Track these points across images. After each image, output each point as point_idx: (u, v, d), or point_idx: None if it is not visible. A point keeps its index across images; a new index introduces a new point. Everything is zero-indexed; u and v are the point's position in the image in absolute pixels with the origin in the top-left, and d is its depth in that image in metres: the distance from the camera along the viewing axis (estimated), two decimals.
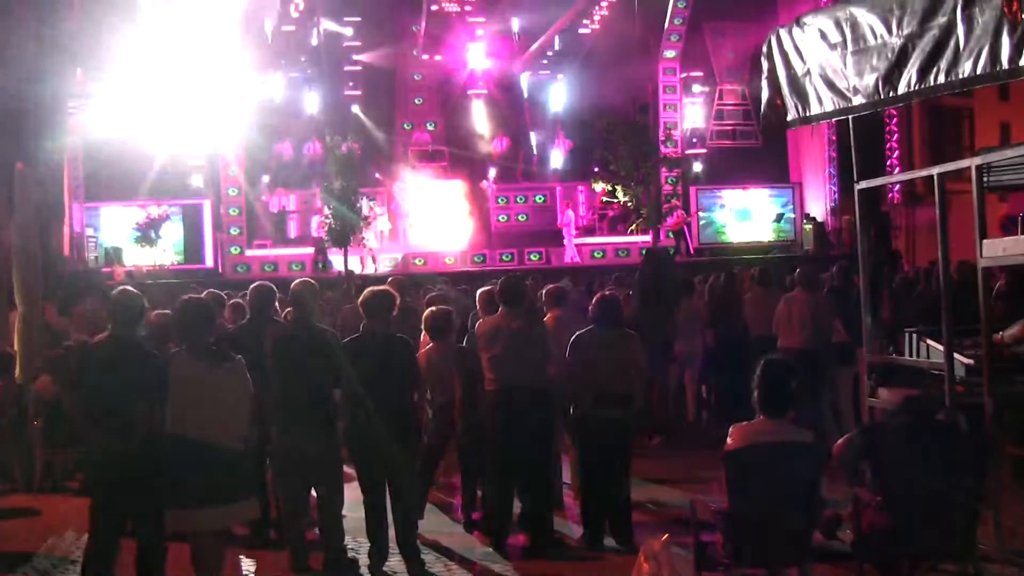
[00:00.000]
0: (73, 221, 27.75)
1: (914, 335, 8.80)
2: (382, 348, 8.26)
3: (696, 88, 32.80)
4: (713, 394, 15.10)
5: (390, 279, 12.02)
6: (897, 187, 31.30)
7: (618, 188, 21.79)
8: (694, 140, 32.60)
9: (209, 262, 29.18)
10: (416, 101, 33.92)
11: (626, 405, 8.86)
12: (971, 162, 7.68)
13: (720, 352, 14.29)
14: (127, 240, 27.83)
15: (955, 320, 7.96)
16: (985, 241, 7.61)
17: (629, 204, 21.03)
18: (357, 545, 8.54)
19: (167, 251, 28.00)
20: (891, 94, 7.32)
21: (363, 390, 8.05)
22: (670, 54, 32.23)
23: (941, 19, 6.68)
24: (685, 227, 30.12)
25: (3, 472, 11.71)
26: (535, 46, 33.00)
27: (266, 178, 30.60)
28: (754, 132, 32.06)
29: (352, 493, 8.61)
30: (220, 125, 27.46)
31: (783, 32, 8.66)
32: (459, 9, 32.63)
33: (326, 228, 23.49)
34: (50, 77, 20.95)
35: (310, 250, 27.76)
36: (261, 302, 9.18)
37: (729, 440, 6.25)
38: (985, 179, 7.85)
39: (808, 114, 8.46)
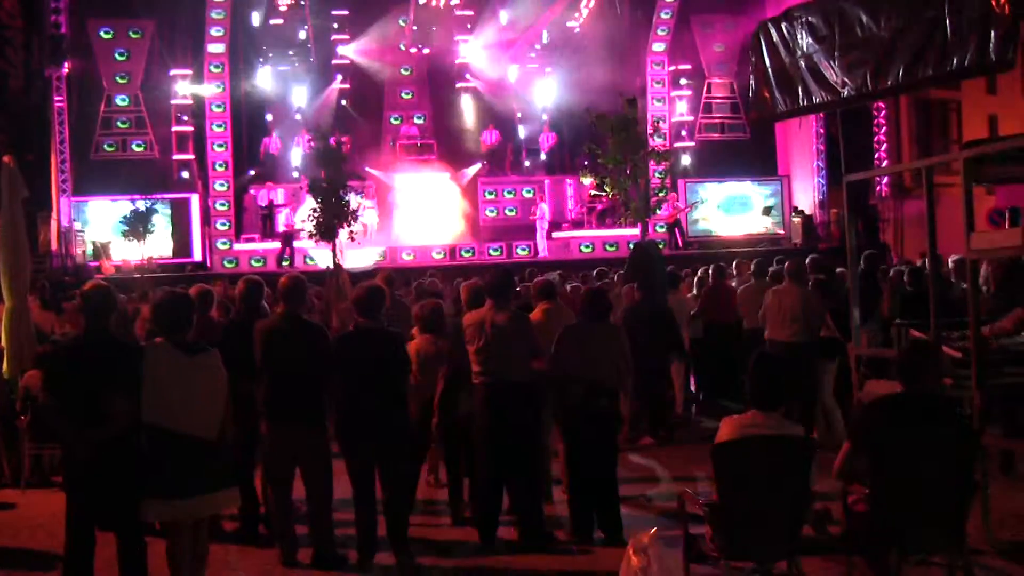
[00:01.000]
0: (61, 215, 27.71)
1: (901, 328, 8.83)
2: (374, 343, 8.26)
3: (684, 81, 32.80)
4: (701, 387, 15.13)
5: (379, 273, 12.01)
6: (885, 180, 31.36)
7: (606, 181, 21.71)
8: (683, 133, 32.62)
9: (197, 256, 29.11)
10: (404, 94, 33.87)
11: (613, 398, 8.87)
12: (959, 155, 7.70)
13: (709, 344, 14.32)
14: (115, 234, 27.73)
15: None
16: (973, 234, 7.63)
17: (616, 195, 20.98)
18: (346, 539, 8.52)
19: (156, 245, 27.90)
20: (879, 87, 7.35)
21: (354, 385, 8.06)
22: (658, 47, 32.22)
23: (929, 13, 6.72)
24: (682, 218, 30.18)
25: None
26: (523, 39, 32.93)
27: (253, 172, 30.57)
28: (742, 125, 32.05)
29: (342, 487, 8.61)
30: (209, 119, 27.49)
31: (771, 25, 8.68)
32: (447, 2, 32.54)
33: (313, 222, 23.41)
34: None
35: (296, 244, 27.68)
36: (250, 296, 9.18)
37: (719, 433, 6.26)
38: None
39: (796, 107, 8.49)
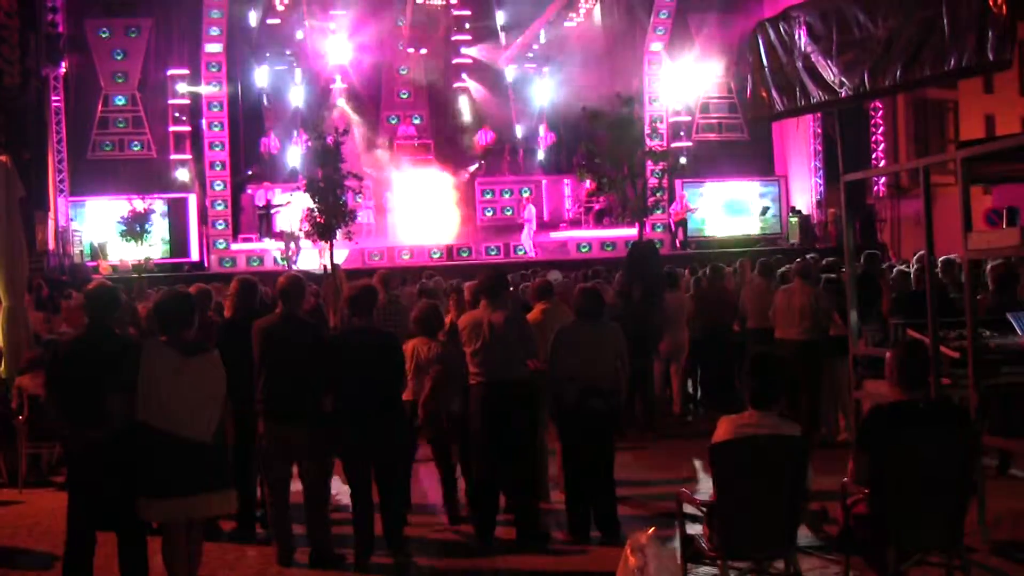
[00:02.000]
0: (58, 215, 27.70)
1: (899, 327, 8.83)
2: (368, 342, 8.26)
3: (681, 81, 32.77)
4: (699, 387, 15.13)
5: (377, 273, 12.02)
6: (882, 180, 31.39)
7: (603, 181, 21.71)
8: (681, 133, 32.63)
9: (195, 256, 29.11)
10: (402, 95, 33.90)
11: (610, 397, 8.88)
12: (956, 155, 7.70)
13: (706, 345, 14.31)
14: (112, 234, 27.72)
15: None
16: (970, 233, 7.63)
17: (613, 195, 20.99)
18: (344, 539, 8.52)
19: (154, 245, 27.89)
20: (876, 87, 7.35)
21: (349, 384, 8.06)
22: (656, 47, 32.23)
23: (926, 12, 6.71)
24: (687, 218, 30.23)
25: None
26: (521, 39, 32.95)
27: (249, 173, 30.58)
28: (740, 125, 32.10)
29: (339, 486, 8.60)
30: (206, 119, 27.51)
31: (768, 25, 8.68)
32: (444, 3, 32.56)
33: (311, 222, 23.42)
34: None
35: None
36: (244, 296, 9.20)
37: (716, 432, 6.26)
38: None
39: (793, 107, 8.48)
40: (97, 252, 27.50)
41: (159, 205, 28.31)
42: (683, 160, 32.19)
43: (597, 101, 23.85)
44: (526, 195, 31.22)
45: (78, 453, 6.88)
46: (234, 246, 29.02)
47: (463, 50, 33.65)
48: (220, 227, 29.13)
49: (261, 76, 31.73)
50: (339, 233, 23.53)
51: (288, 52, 32.27)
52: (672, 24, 31.94)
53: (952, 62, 6.48)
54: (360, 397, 8.08)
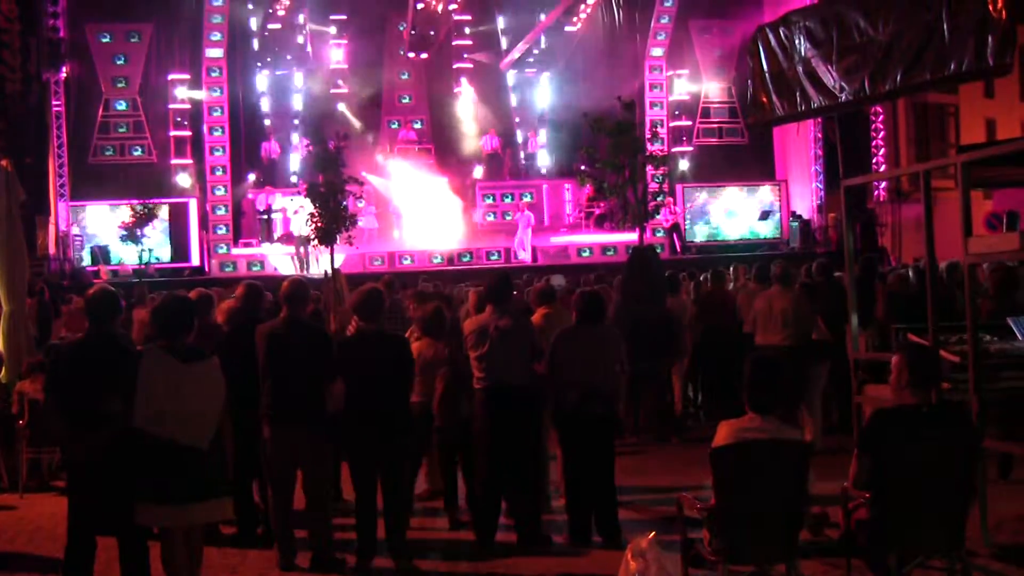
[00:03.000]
0: (59, 219, 27.71)
1: (899, 331, 8.83)
2: (377, 346, 8.28)
3: (682, 86, 32.82)
4: (700, 390, 15.13)
5: (382, 277, 12.03)
6: (883, 184, 31.41)
7: (604, 186, 21.80)
8: (683, 138, 32.64)
9: (195, 260, 29.10)
10: (403, 99, 33.91)
11: (610, 402, 8.88)
12: (957, 159, 7.71)
13: (707, 349, 14.31)
14: (113, 239, 27.71)
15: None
16: (970, 238, 7.64)
17: (614, 200, 21.08)
18: (345, 543, 8.52)
19: (154, 250, 27.88)
20: (877, 91, 7.36)
21: (354, 387, 8.07)
22: (656, 52, 32.24)
23: (926, 17, 6.73)
24: (680, 222, 30.22)
25: None
26: (521, 44, 32.96)
27: (252, 176, 30.59)
28: (740, 130, 32.11)
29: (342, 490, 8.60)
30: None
31: (769, 30, 8.69)
32: (445, 7, 32.57)
33: (312, 226, 23.44)
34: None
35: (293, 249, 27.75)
36: (251, 300, 9.23)
37: (717, 436, 6.26)
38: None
39: (794, 111, 8.49)
40: (98, 257, 27.48)
41: (160, 210, 28.24)
42: (684, 164, 32.30)
43: (598, 106, 23.92)
44: (526, 200, 31.19)
45: (78, 458, 6.87)
46: (235, 251, 28.99)
47: (464, 55, 33.66)
48: (221, 232, 29.10)
49: (262, 81, 31.75)
50: (339, 238, 23.55)
51: (289, 57, 32.25)
52: (673, 29, 31.95)
53: (952, 67, 6.50)
54: (371, 400, 8.09)
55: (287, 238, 27.86)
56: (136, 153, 29.71)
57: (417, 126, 33.46)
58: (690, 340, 14.26)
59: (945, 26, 6.49)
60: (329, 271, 21.67)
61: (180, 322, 6.96)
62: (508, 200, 31.83)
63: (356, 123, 32.01)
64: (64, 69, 28.11)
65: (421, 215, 30.51)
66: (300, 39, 32.12)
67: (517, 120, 33.84)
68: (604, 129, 20.74)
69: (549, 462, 9.97)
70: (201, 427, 6.75)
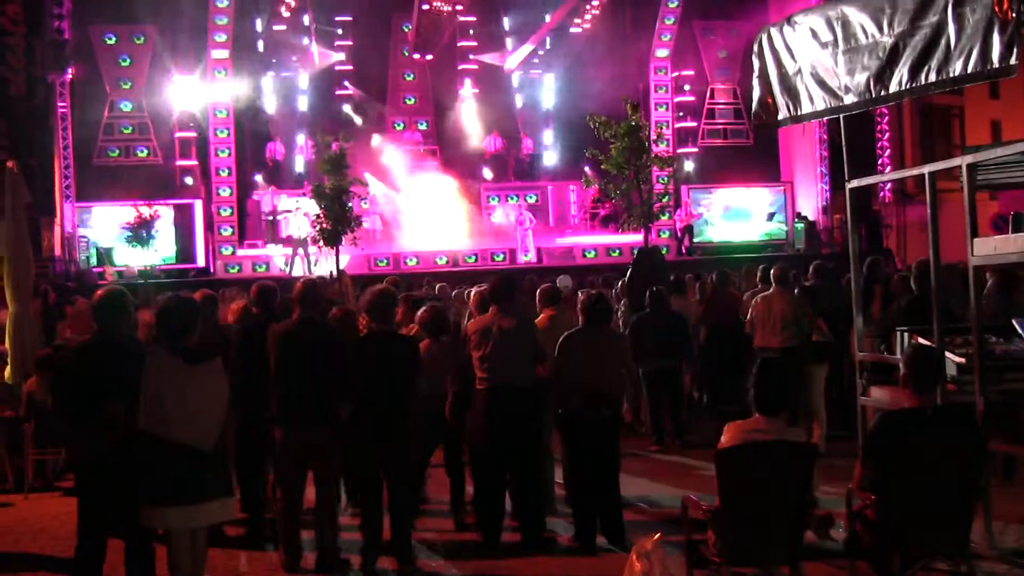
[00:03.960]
0: (64, 221, 27.73)
1: (904, 333, 8.82)
2: (390, 347, 8.30)
3: (687, 87, 32.80)
4: (706, 392, 15.11)
5: (388, 278, 12.04)
6: (888, 186, 31.38)
7: (609, 187, 21.81)
8: (688, 139, 32.62)
9: (201, 262, 29.09)
10: (408, 100, 33.92)
11: (614, 404, 8.89)
12: (962, 160, 7.70)
13: (713, 350, 14.30)
14: (119, 240, 27.71)
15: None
16: (976, 240, 7.62)
17: (619, 201, 21.07)
18: (350, 543, 8.52)
19: (159, 251, 27.87)
20: (882, 93, 7.34)
21: (365, 388, 8.08)
22: (661, 53, 32.22)
23: (932, 18, 6.71)
24: (692, 224, 30.24)
25: None
26: (526, 45, 32.96)
27: (258, 178, 30.60)
28: (745, 131, 32.08)
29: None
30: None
31: (774, 31, 8.66)
32: (450, 8, 32.55)
33: (317, 228, 23.45)
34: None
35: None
36: (264, 301, 9.28)
37: (723, 438, 6.26)
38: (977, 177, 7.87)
39: (799, 113, 8.47)
40: (103, 258, 27.48)
41: (165, 211, 28.25)
42: (689, 165, 32.27)
43: (603, 107, 23.89)
44: (532, 200, 31.18)
45: (84, 459, 6.87)
46: (240, 252, 28.98)
47: (469, 56, 33.66)
48: (226, 233, 29.09)
49: (267, 82, 31.76)
50: (344, 239, 23.55)
51: (294, 58, 32.31)
52: (678, 30, 31.92)
53: (958, 69, 6.48)
54: (383, 401, 8.12)
55: (287, 240, 27.82)
56: (141, 154, 29.72)
57: (422, 127, 33.48)
58: (694, 341, 14.26)
59: (951, 27, 6.48)
60: (335, 272, 21.75)
61: (184, 324, 6.97)
62: (513, 201, 31.83)
63: (361, 124, 32.00)
64: (69, 70, 28.11)
65: (426, 216, 30.49)
66: (305, 40, 32.15)
67: (522, 121, 33.81)
68: (609, 131, 20.70)
69: (553, 464, 9.97)
70: (206, 428, 6.75)
